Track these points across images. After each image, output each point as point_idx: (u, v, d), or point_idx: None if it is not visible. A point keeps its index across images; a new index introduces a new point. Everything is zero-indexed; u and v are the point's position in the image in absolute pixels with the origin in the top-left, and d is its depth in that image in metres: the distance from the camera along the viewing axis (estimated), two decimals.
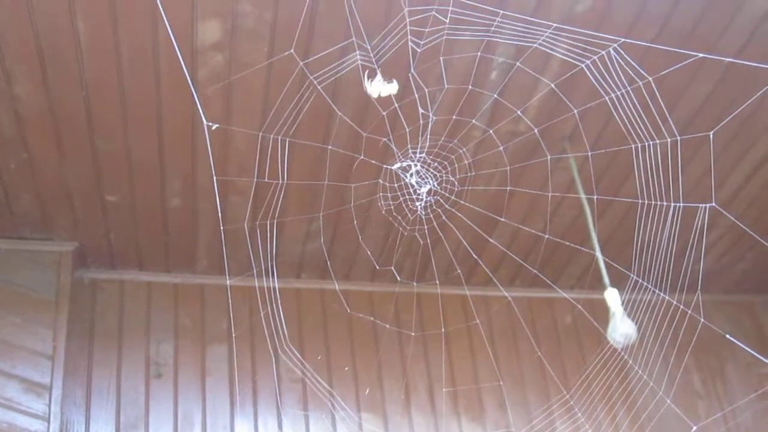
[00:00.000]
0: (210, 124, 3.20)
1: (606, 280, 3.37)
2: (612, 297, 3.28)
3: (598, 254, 3.46)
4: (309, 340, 4.43)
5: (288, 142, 2.88)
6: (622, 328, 3.22)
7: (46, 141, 3.47)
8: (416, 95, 3.06)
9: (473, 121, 3.45)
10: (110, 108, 3.33)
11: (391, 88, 2.44)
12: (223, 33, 3.03)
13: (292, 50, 2.91)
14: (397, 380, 4.47)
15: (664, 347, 3.50)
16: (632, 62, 2.52)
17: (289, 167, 3.00)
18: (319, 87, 2.90)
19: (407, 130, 2.86)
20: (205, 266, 4.41)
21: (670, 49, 2.93)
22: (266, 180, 2.86)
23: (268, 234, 3.23)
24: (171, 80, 3.22)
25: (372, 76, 2.46)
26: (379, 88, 2.45)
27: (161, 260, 4.34)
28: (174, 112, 3.38)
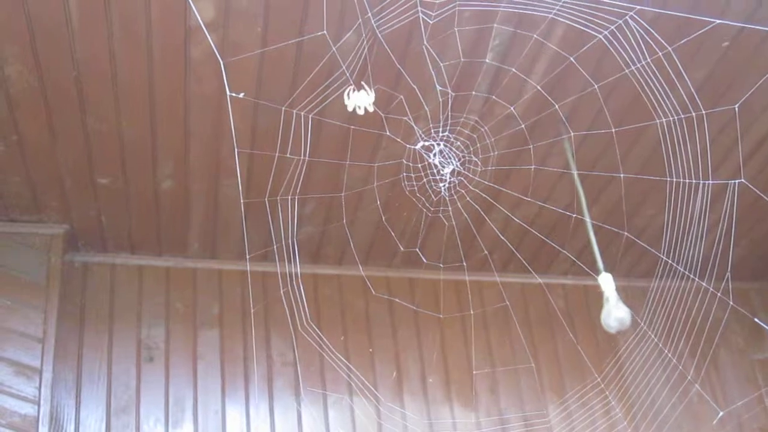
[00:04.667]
0: (234, 93, 3.14)
1: (600, 264, 3.36)
2: (606, 282, 3.27)
3: (592, 237, 3.45)
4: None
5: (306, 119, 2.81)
6: (616, 313, 3.22)
7: (36, 122, 3.43)
8: (432, 71, 2.98)
9: (493, 96, 3.37)
10: (102, 88, 3.29)
11: (369, 99, 2.41)
12: (217, 12, 3.00)
13: (324, 31, 2.86)
14: (389, 364, 4.47)
15: (684, 332, 3.50)
16: (652, 31, 2.43)
17: (295, 145, 2.94)
18: (350, 77, 2.80)
19: (427, 109, 2.79)
20: (197, 250, 4.39)
21: (684, 15, 2.84)
22: (288, 155, 2.80)
23: (285, 210, 3.17)
24: (163, 60, 3.18)
25: (352, 91, 2.42)
26: (356, 101, 2.41)
27: (153, 243, 4.31)
28: (166, 93, 3.35)
